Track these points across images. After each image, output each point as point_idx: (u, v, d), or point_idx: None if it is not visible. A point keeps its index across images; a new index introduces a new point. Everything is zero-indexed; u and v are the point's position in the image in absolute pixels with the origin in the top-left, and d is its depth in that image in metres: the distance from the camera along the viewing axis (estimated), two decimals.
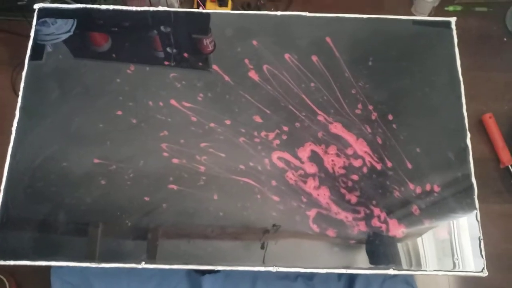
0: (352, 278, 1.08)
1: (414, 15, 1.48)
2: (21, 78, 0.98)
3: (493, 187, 1.27)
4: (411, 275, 1.10)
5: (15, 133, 0.93)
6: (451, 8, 1.48)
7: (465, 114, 0.97)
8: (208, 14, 1.06)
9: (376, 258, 0.88)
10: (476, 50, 1.41)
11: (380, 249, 0.89)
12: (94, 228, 0.88)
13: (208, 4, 1.42)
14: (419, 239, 0.90)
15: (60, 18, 1.04)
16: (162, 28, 1.04)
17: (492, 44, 1.43)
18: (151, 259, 0.86)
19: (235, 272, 1.07)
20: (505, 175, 1.28)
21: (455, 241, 0.90)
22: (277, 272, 0.86)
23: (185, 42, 1.05)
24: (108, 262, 0.86)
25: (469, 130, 0.96)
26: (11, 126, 0.93)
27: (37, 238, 0.88)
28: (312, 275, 1.08)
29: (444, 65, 1.02)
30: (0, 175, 0.90)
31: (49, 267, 1.06)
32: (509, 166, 1.28)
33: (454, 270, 0.89)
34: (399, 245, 0.90)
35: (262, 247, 0.87)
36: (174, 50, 1.02)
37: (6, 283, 1.06)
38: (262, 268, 0.86)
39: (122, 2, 1.42)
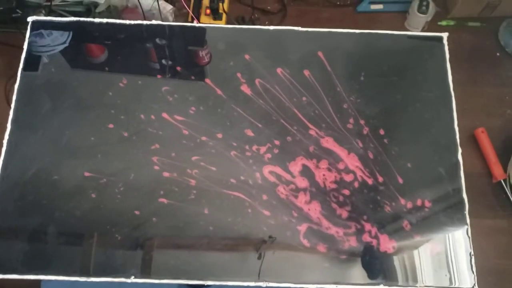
0: None
1: (407, 29, 1.49)
2: (14, 90, 0.98)
3: (485, 202, 1.28)
4: None
5: (6, 146, 0.93)
6: (444, 23, 1.50)
7: (457, 129, 0.98)
8: (202, 28, 1.06)
9: (367, 273, 0.88)
10: (469, 64, 1.42)
11: (371, 264, 0.89)
12: (84, 241, 0.88)
13: (203, 17, 1.43)
14: (411, 254, 0.90)
15: (54, 30, 1.05)
16: (157, 40, 1.05)
17: (485, 59, 1.45)
18: (141, 273, 0.86)
19: (227, 286, 1.07)
20: (497, 189, 1.29)
21: (447, 256, 0.90)
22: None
23: (180, 54, 1.05)
24: (98, 276, 0.85)
25: (462, 145, 0.96)
26: (3, 138, 0.93)
27: (26, 251, 0.87)
28: None
29: (435, 80, 1.03)
30: None
31: (38, 281, 1.06)
32: (502, 181, 1.28)
33: (444, 286, 0.88)
34: (391, 260, 0.89)
35: (257, 257, 0.87)
36: (170, 62, 1.03)
37: None
38: (252, 284, 0.85)
39: (117, 16, 1.43)
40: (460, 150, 0.96)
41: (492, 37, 1.46)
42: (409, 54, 1.05)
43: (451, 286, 0.89)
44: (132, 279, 0.85)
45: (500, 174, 1.27)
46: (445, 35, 1.05)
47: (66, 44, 1.04)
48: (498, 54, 1.44)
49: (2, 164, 0.91)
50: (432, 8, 1.45)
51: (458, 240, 0.91)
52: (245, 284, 0.86)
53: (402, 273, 0.89)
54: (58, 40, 1.04)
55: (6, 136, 0.93)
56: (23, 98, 0.97)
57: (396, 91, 1.01)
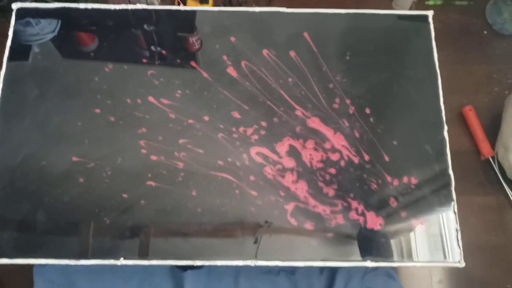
0: (333, 271, 1.08)
1: (394, 9, 1.49)
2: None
3: (474, 179, 1.29)
4: (393, 267, 1.11)
5: None
6: (431, 2, 1.49)
7: (443, 107, 0.98)
8: (192, 12, 1.06)
9: (355, 251, 0.89)
10: (456, 43, 1.43)
11: (358, 241, 0.90)
12: (73, 226, 0.89)
13: (189, 1, 1.43)
14: (399, 231, 0.91)
15: (40, 18, 1.04)
16: (145, 26, 1.05)
17: (472, 37, 1.45)
18: (130, 255, 0.87)
19: (217, 268, 1.08)
20: (486, 167, 1.30)
21: (434, 233, 0.91)
22: (259, 267, 0.87)
23: (170, 40, 1.05)
24: (87, 259, 0.86)
25: (450, 123, 0.97)
26: None
27: (16, 237, 0.88)
28: (294, 269, 1.08)
29: (421, 59, 1.03)
30: None
31: (31, 266, 1.06)
32: (490, 158, 1.29)
33: (431, 261, 0.90)
34: (380, 237, 0.90)
35: (254, 241, 0.88)
36: (159, 49, 1.03)
37: None
38: (240, 263, 0.86)
39: (102, 1, 1.42)
40: (446, 128, 0.97)
41: (479, 16, 1.47)
42: (395, 33, 1.05)
43: (436, 262, 0.90)
44: (122, 261, 0.86)
45: (488, 151, 1.28)
46: (430, 13, 1.06)
47: (55, 33, 1.03)
48: (485, 32, 1.44)
49: None
50: None
51: (445, 217, 0.92)
52: (234, 263, 0.87)
53: (391, 250, 0.90)
54: (47, 29, 1.04)
55: None
56: (10, 87, 0.97)
57: (382, 70, 1.01)
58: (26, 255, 0.87)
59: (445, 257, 0.90)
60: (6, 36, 1.03)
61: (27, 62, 1.00)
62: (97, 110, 0.95)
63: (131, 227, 0.89)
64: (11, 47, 1.01)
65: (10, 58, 1.00)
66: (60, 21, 1.04)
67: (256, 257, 0.87)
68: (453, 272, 1.20)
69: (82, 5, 1.05)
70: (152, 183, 0.91)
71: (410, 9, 1.46)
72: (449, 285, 1.19)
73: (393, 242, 0.91)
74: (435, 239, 0.91)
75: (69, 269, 1.07)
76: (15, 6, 1.05)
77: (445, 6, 1.48)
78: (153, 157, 0.93)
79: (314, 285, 1.07)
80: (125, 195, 0.90)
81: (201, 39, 1.03)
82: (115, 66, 0.99)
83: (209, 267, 1.06)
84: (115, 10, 1.04)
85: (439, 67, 1.01)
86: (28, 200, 0.90)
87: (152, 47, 1.03)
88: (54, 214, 0.89)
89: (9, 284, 1.09)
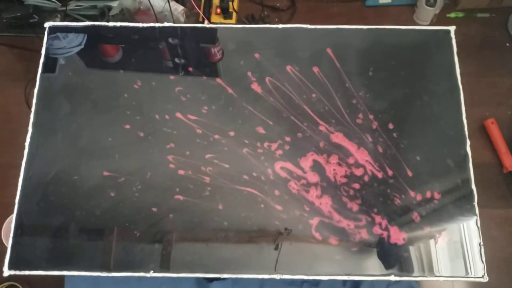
0: (356, 283, 1.10)
1: (416, 22, 1.49)
2: (33, 93, 1.02)
3: (496, 192, 1.29)
4: (416, 281, 1.12)
5: (28, 148, 0.97)
6: (452, 15, 1.50)
7: (465, 121, 0.99)
8: (213, 29, 1.09)
9: (379, 265, 0.90)
10: (478, 55, 1.43)
11: (382, 255, 0.91)
12: (104, 238, 0.92)
13: (213, 17, 1.46)
14: (422, 246, 0.92)
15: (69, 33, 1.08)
16: (170, 39, 1.08)
17: (495, 49, 1.45)
18: (159, 267, 0.89)
19: (242, 279, 1.10)
20: (508, 180, 1.29)
21: (461, 246, 0.92)
22: (283, 279, 0.89)
23: (193, 53, 1.08)
24: (118, 271, 0.89)
25: (472, 136, 0.98)
26: (25, 140, 0.97)
27: (50, 249, 0.92)
28: (317, 282, 1.10)
29: (443, 73, 1.04)
30: (14, 189, 0.94)
31: (62, 276, 1.10)
32: None
33: (455, 276, 0.90)
34: (404, 252, 0.91)
35: (274, 248, 0.90)
36: (182, 61, 1.06)
37: None
38: (266, 276, 0.88)
39: (130, 18, 1.46)
40: (468, 142, 0.97)
41: (501, 28, 1.46)
42: (417, 48, 1.06)
43: (460, 276, 0.90)
44: (151, 274, 0.88)
45: (511, 164, 1.28)
46: (452, 28, 1.07)
47: (82, 46, 1.07)
48: (507, 44, 1.44)
49: (25, 167, 0.96)
50: (440, 0, 1.45)
51: (468, 231, 0.93)
52: (260, 276, 0.89)
53: (414, 264, 0.91)
54: (74, 42, 1.08)
55: (28, 139, 0.97)
56: (42, 101, 1.01)
57: (405, 85, 1.03)
58: (59, 267, 0.90)
59: (467, 272, 0.90)
60: (36, 51, 1.07)
61: (56, 75, 1.04)
62: (127, 126, 0.99)
63: (160, 239, 0.91)
64: (43, 63, 1.05)
65: (43, 72, 1.04)
66: (87, 34, 1.08)
67: (276, 270, 0.89)
68: (475, 286, 1.20)
69: (111, 24, 1.08)
70: (180, 197, 0.93)
71: (432, 21, 1.47)
72: None
73: (416, 256, 0.92)
74: (457, 253, 0.92)
75: (98, 278, 1.10)
76: (47, 24, 1.09)
77: (467, 19, 1.48)
78: (181, 172, 0.95)
79: None
80: (154, 209, 0.93)
81: (222, 49, 1.06)
82: (144, 83, 1.02)
83: (235, 278, 1.09)
84: (142, 27, 1.07)
85: (461, 79, 1.02)
86: (61, 214, 0.93)
87: (176, 60, 1.06)
88: (86, 227, 0.93)
89: None
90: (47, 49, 1.07)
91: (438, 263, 0.91)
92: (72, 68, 1.05)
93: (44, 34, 1.08)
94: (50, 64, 1.05)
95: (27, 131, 0.98)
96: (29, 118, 0.99)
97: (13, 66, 1.49)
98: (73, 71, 1.05)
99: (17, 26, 1.54)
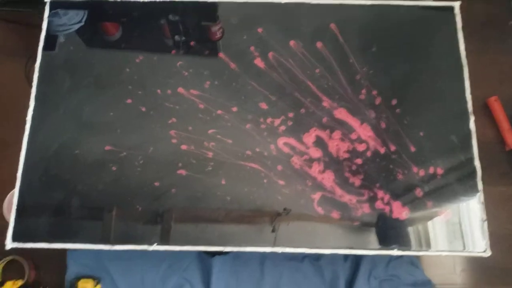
0: (358, 259, 1.10)
1: None
2: (34, 69, 1.01)
3: (498, 170, 1.28)
4: (416, 256, 1.12)
5: (31, 123, 0.96)
6: None
7: (469, 97, 0.99)
8: (214, 3, 1.07)
9: (381, 239, 0.90)
10: (481, 33, 1.41)
11: (384, 230, 0.91)
12: (106, 212, 0.92)
13: None
14: (424, 221, 0.92)
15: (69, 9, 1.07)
16: (170, 16, 1.07)
17: (498, 27, 1.43)
18: (162, 241, 0.90)
19: (244, 253, 1.11)
20: (510, 157, 1.29)
21: (460, 223, 0.92)
22: (284, 253, 0.89)
23: (193, 29, 1.07)
24: (120, 244, 0.89)
25: (475, 114, 0.97)
26: (25, 116, 0.97)
27: (52, 222, 0.92)
28: (319, 256, 1.11)
29: (447, 50, 1.03)
30: (16, 163, 0.94)
31: (65, 251, 1.10)
32: None
33: (457, 250, 0.91)
34: (406, 227, 0.92)
35: (271, 230, 0.90)
36: (183, 38, 1.05)
37: (25, 266, 1.10)
38: (268, 249, 0.89)
39: None
40: (472, 118, 0.97)
41: (504, 5, 1.44)
42: (421, 24, 1.05)
43: (464, 251, 0.91)
44: (154, 247, 0.89)
45: None
46: (456, 4, 1.05)
47: (82, 23, 1.06)
48: (510, 22, 1.42)
49: (28, 140, 0.95)
50: None
51: (471, 207, 0.93)
52: (262, 250, 0.89)
53: (415, 239, 0.91)
54: (74, 19, 1.06)
55: (30, 112, 0.97)
56: (44, 77, 1.01)
57: (408, 61, 1.02)
58: (62, 240, 0.91)
59: (468, 246, 0.91)
60: (35, 26, 1.06)
61: (57, 52, 1.03)
62: (129, 101, 0.98)
63: (162, 214, 0.91)
64: (45, 38, 1.04)
65: (44, 49, 1.03)
66: (87, 11, 1.07)
67: (277, 244, 0.89)
68: (476, 261, 1.21)
69: None
70: (182, 171, 0.93)
71: None
72: (472, 274, 1.20)
73: (417, 231, 0.92)
74: (460, 229, 0.92)
75: (101, 254, 1.11)
76: None
77: None
78: (184, 147, 0.95)
79: (339, 272, 1.10)
80: (156, 183, 0.93)
81: (223, 28, 1.05)
82: (145, 57, 1.01)
83: (236, 252, 1.09)
84: (143, 2, 1.06)
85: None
86: (63, 188, 0.93)
87: (177, 37, 1.05)
88: (88, 201, 0.93)
89: (44, 268, 1.13)
90: (48, 25, 1.05)
91: (440, 238, 0.91)
92: (73, 45, 1.04)
93: (41, 9, 1.07)
94: (51, 41, 1.04)
95: (24, 107, 0.98)
96: (29, 94, 0.99)
97: (10, 41, 1.47)
98: (74, 48, 1.04)
99: (13, 1, 1.51)
